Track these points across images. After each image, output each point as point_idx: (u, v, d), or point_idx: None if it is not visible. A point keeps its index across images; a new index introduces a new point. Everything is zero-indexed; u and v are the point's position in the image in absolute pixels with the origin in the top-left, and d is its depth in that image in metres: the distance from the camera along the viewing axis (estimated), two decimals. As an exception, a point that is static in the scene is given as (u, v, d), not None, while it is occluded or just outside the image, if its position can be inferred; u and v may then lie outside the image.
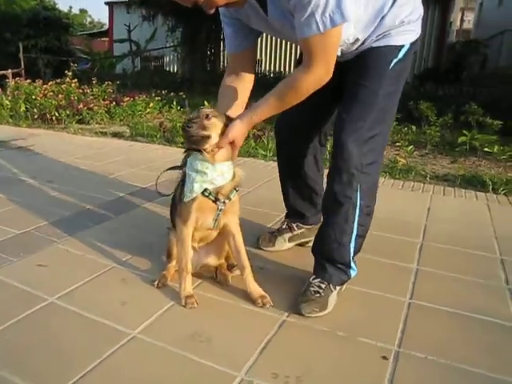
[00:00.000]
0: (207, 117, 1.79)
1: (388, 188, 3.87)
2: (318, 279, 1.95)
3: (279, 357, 1.62)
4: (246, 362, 1.57)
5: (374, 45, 1.85)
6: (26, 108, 7.22)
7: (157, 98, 8.14)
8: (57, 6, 21.74)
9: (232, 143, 1.82)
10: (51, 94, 7.57)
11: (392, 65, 1.84)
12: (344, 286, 2.02)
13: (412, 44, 1.88)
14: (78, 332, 1.72)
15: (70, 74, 8.60)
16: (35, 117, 7.00)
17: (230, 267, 2.17)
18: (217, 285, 2.10)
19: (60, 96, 7.38)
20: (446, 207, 3.45)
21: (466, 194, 3.83)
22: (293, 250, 2.53)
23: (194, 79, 12.37)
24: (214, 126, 1.79)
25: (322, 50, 1.67)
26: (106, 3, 22.06)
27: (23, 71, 11.84)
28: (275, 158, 4.36)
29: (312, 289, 1.92)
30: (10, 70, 10.52)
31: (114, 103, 7.47)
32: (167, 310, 1.87)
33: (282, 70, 15.97)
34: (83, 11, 52.90)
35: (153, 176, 3.95)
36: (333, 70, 1.73)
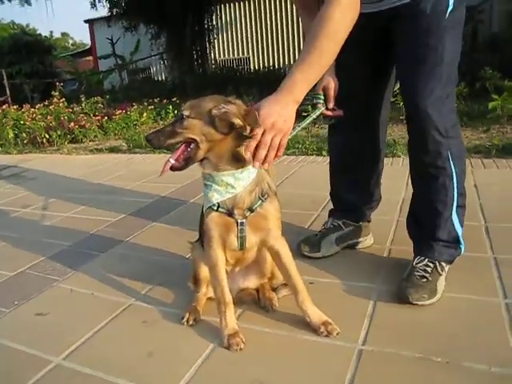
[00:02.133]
0: (181, 117, 1.41)
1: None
2: (424, 261, 1.77)
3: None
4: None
5: None
6: (14, 134, 6.83)
7: (150, 107, 7.77)
8: (37, 32, 21.52)
9: (259, 136, 1.40)
10: (39, 116, 7.21)
11: (447, 15, 1.63)
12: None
13: None
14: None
15: (56, 93, 8.24)
16: (25, 142, 6.65)
17: (274, 287, 1.75)
18: (262, 312, 1.67)
19: (49, 117, 7.03)
20: (494, 182, 3.07)
21: (509, 165, 3.44)
22: (344, 254, 2.12)
23: (185, 84, 12.01)
24: (193, 127, 1.39)
25: None
26: (85, 21, 21.68)
27: (9, 98, 11.48)
28: (289, 152, 3.92)
29: (417, 273, 1.73)
30: (-5, 99, 10.23)
31: (106, 118, 7.11)
32: (208, 358, 1.44)
33: (271, 66, 15.58)
34: (65, 34, 52.87)
35: (159, 188, 3.64)
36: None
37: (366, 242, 2.19)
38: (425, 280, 1.70)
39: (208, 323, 1.63)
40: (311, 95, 1.79)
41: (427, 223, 1.81)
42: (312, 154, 4.39)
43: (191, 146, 1.42)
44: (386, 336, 1.48)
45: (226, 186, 1.45)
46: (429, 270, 1.73)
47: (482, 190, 2.84)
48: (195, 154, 1.42)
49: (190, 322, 1.62)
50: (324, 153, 4.33)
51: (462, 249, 1.84)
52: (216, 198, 1.46)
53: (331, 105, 1.78)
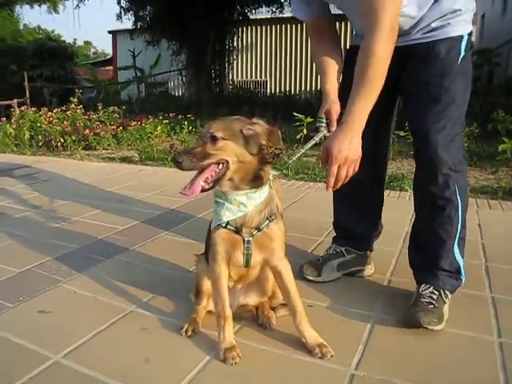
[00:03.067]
0: (213, 138, 1.41)
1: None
2: (430, 289, 1.82)
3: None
4: None
5: (435, 38, 1.76)
6: (30, 135, 6.96)
7: (165, 121, 7.87)
8: (62, 38, 21.98)
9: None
10: (56, 120, 7.33)
11: (459, 60, 1.76)
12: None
13: (469, 35, 1.79)
14: (90, 403, 1.32)
15: (75, 100, 8.38)
16: (40, 144, 6.75)
17: (273, 307, 1.78)
18: (259, 329, 1.70)
19: (65, 122, 7.14)
20: (498, 222, 3.09)
21: (515, 207, 3.47)
22: (345, 280, 2.15)
23: (201, 102, 12.18)
24: (227, 148, 1.42)
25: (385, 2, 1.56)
26: (109, 32, 22.15)
27: (28, 100, 11.70)
28: (298, 177, 3.95)
29: (424, 300, 1.78)
30: (15, 100, 10.41)
31: (121, 128, 7.21)
32: (203, 369, 1.47)
33: (287, 91, 15.77)
34: (87, 43, 53.80)
35: (168, 201, 3.70)
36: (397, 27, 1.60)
37: (367, 271, 2.21)
38: (432, 306, 1.74)
39: (206, 336, 1.66)
40: (315, 118, 1.89)
41: (431, 252, 1.87)
42: (320, 181, 4.44)
43: (220, 167, 1.43)
44: (379, 363, 1.50)
45: (238, 204, 1.48)
46: (434, 297, 1.79)
47: (485, 230, 2.86)
48: (224, 174, 1.44)
49: (189, 333, 1.65)
50: (332, 180, 4.37)
51: (463, 280, 1.90)
52: (228, 216, 1.50)
53: (334, 128, 1.82)
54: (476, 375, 1.45)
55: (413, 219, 2.04)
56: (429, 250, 1.88)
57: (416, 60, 1.80)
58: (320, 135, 1.86)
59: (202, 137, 1.46)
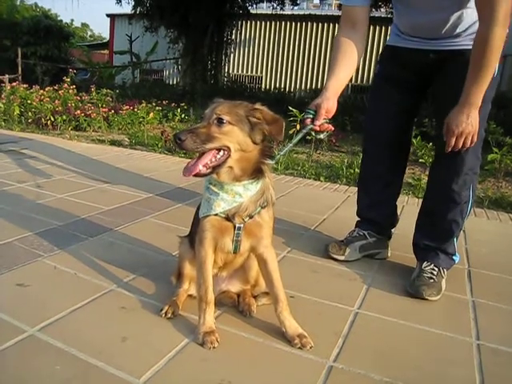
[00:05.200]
0: (220, 121, 1.37)
1: (414, 207, 3.48)
2: (431, 266, 2.08)
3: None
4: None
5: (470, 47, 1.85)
6: (20, 112, 6.83)
7: (157, 108, 7.79)
8: (59, 18, 21.67)
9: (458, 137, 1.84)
10: (47, 99, 7.21)
11: (496, 73, 1.87)
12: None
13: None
14: (63, 379, 1.29)
15: (68, 80, 8.26)
16: (29, 121, 6.64)
17: (255, 295, 1.77)
18: (240, 316, 1.69)
19: (57, 102, 7.04)
20: (483, 230, 3.12)
21: (499, 217, 3.50)
22: (328, 274, 2.16)
23: (195, 91, 12.09)
24: (232, 134, 1.38)
25: None
26: (107, 15, 21.87)
27: (20, 77, 11.51)
28: (287, 172, 3.98)
29: (425, 275, 2.03)
30: (6, 76, 10.22)
31: (113, 111, 7.12)
32: (180, 351, 1.45)
33: (282, 88, 15.75)
34: (85, 25, 53.10)
35: (156, 185, 3.66)
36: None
37: (385, 254, 2.42)
38: (432, 281, 2.00)
39: (185, 319, 1.64)
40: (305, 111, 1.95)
41: (438, 238, 2.12)
42: (310, 178, 4.43)
43: (221, 153, 1.39)
44: (357, 357, 1.50)
45: (234, 195, 1.45)
46: (435, 273, 2.05)
47: (469, 236, 2.88)
48: (225, 162, 1.40)
49: (169, 315, 1.63)
50: (321, 178, 4.38)
51: (456, 261, 2.20)
52: (223, 206, 1.47)
53: (318, 122, 1.91)
54: (453, 374, 1.46)
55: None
56: (437, 236, 2.12)
57: (457, 64, 1.92)
58: (308, 128, 1.89)
59: (206, 117, 1.41)
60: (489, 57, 1.71)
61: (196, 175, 1.39)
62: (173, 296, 1.72)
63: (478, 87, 1.76)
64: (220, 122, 1.37)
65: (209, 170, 1.40)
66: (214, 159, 1.39)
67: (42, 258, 2.06)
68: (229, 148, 1.38)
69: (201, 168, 1.38)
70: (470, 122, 1.80)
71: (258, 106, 1.44)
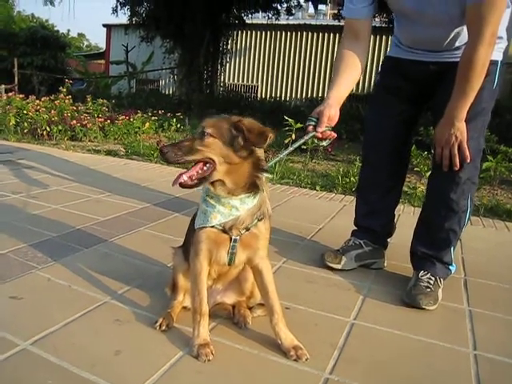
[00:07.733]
0: (202, 135, 1.39)
1: (410, 216, 3.49)
2: (427, 275, 2.07)
3: None
4: None
5: None
6: (16, 122, 6.82)
7: (153, 118, 7.80)
8: (55, 28, 21.73)
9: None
10: (43, 109, 7.20)
11: (495, 85, 1.94)
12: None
13: (501, 63, 1.95)
14: (55, 392, 1.28)
15: (64, 90, 8.26)
16: (25, 131, 6.63)
17: (250, 306, 1.76)
18: (235, 328, 1.68)
19: (53, 112, 7.02)
20: (479, 238, 3.12)
21: (495, 225, 3.50)
22: (324, 286, 2.15)
23: (191, 101, 12.12)
24: (213, 146, 1.39)
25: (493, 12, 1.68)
26: (104, 25, 21.97)
27: (16, 87, 11.52)
28: (283, 181, 3.99)
29: (422, 284, 2.02)
30: (3, 86, 10.24)
31: (109, 121, 7.12)
32: (175, 364, 1.43)
33: (278, 97, 15.81)
34: (81, 35, 53.28)
35: (151, 196, 3.65)
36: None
37: (381, 263, 2.40)
38: (429, 290, 1.99)
39: (180, 331, 1.62)
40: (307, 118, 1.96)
41: (436, 247, 2.12)
42: (305, 187, 4.43)
43: (207, 166, 1.41)
44: (353, 369, 1.49)
45: (230, 208, 1.45)
46: (431, 282, 2.04)
47: (465, 245, 2.87)
48: (210, 174, 1.41)
49: (163, 328, 1.61)
50: (317, 187, 4.38)
51: (453, 271, 2.20)
52: (219, 219, 1.47)
53: (320, 129, 1.91)
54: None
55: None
56: (434, 245, 2.12)
57: (450, 77, 1.89)
58: (310, 135, 1.89)
59: (196, 132, 1.44)
60: (472, 75, 1.75)
61: (184, 186, 1.42)
62: (167, 308, 1.71)
63: (463, 102, 1.80)
64: (203, 134, 1.40)
65: (194, 182, 1.42)
66: (200, 171, 1.41)
67: (35, 269, 2.05)
68: (213, 161, 1.40)
69: (185, 179, 1.41)
70: (453, 133, 1.85)
71: (242, 118, 1.44)
